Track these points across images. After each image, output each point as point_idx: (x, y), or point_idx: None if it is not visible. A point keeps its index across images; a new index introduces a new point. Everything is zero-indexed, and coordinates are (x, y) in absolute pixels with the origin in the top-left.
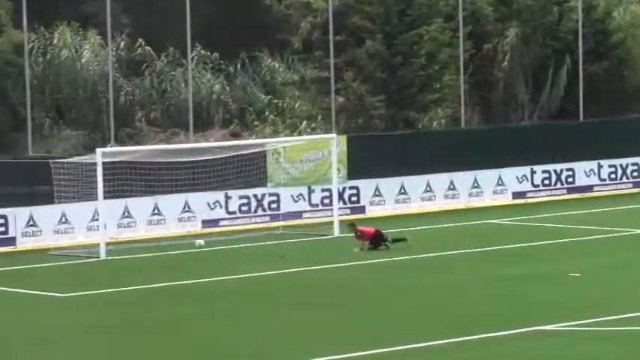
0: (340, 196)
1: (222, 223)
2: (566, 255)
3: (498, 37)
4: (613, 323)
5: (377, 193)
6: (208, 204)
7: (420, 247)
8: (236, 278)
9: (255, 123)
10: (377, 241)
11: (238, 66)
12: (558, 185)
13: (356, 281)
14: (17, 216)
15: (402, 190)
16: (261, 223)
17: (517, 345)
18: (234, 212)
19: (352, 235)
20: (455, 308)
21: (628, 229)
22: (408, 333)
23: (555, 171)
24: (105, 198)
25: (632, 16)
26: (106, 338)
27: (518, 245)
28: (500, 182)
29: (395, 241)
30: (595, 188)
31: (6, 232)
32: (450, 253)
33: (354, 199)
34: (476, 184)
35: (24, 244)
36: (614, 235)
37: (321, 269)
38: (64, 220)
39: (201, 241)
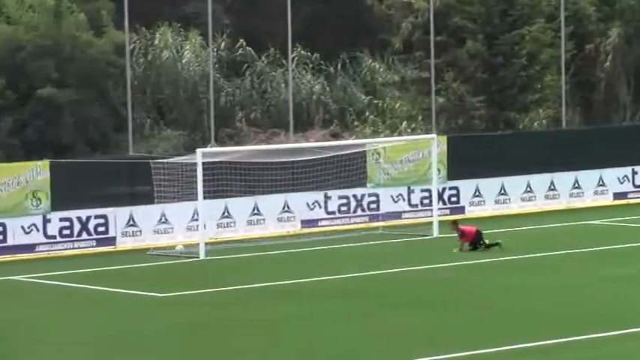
0: (440, 196)
1: (321, 223)
2: None
3: (600, 37)
4: None
5: (477, 193)
6: (308, 204)
7: (522, 248)
8: (336, 278)
9: (355, 123)
10: (476, 241)
11: (339, 66)
12: None
13: (458, 281)
14: (117, 216)
15: (502, 191)
16: (361, 223)
17: (627, 345)
18: (333, 212)
19: (455, 233)
20: (562, 308)
21: None
22: (513, 333)
23: None
24: (205, 198)
25: None
26: (204, 338)
27: (622, 246)
28: (601, 183)
29: (489, 246)
30: None
31: (106, 232)
32: (554, 253)
33: (453, 199)
34: (576, 185)
35: (124, 243)
36: None
37: (423, 269)
38: (163, 220)
39: (182, 247)
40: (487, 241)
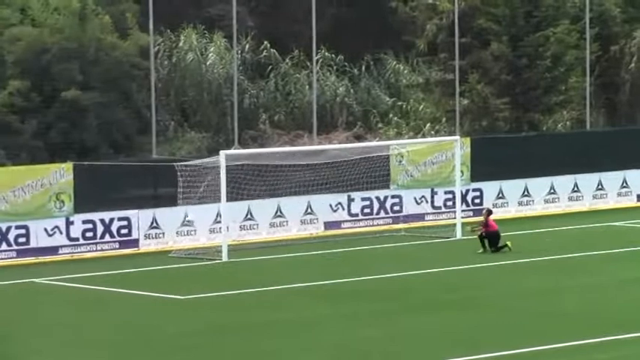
0: (463, 198)
1: (344, 225)
2: None
3: (625, 38)
4: None
5: (500, 195)
6: (331, 206)
7: (546, 249)
8: (365, 279)
9: (379, 125)
10: (494, 239)
11: (363, 68)
12: None
13: (488, 282)
14: (140, 218)
15: (526, 192)
16: (383, 225)
17: None
18: (356, 214)
19: (482, 218)
20: (592, 309)
21: None
22: (546, 333)
23: None
24: (228, 200)
25: None
26: (230, 339)
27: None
28: (624, 184)
29: (499, 248)
30: None
31: (129, 234)
32: (579, 255)
33: (477, 201)
34: (600, 187)
35: (147, 246)
36: None
37: (450, 270)
38: (186, 222)
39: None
40: (508, 244)
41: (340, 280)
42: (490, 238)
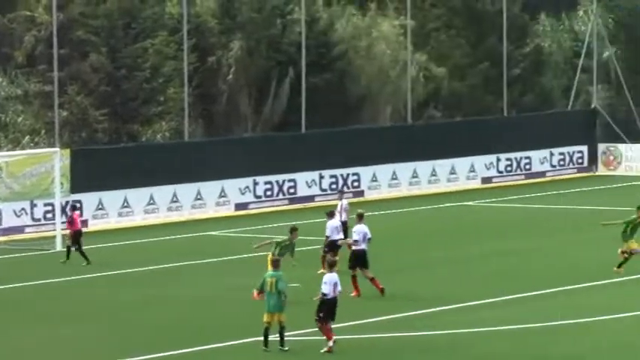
0: (63, 210)
1: None
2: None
3: (223, 49)
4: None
5: (100, 206)
6: None
7: (141, 261)
8: None
9: None
10: (77, 239)
11: None
12: (280, 196)
13: (83, 295)
14: None
15: (126, 204)
16: None
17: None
18: None
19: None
20: (191, 320)
21: None
22: (141, 345)
23: (277, 182)
24: None
25: (353, 28)
26: None
27: (240, 256)
28: (223, 194)
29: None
30: (316, 198)
31: None
32: (177, 265)
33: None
34: (199, 197)
35: None
36: None
37: (44, 284)
38: None
39: None
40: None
41: None
42: (74, 237)
